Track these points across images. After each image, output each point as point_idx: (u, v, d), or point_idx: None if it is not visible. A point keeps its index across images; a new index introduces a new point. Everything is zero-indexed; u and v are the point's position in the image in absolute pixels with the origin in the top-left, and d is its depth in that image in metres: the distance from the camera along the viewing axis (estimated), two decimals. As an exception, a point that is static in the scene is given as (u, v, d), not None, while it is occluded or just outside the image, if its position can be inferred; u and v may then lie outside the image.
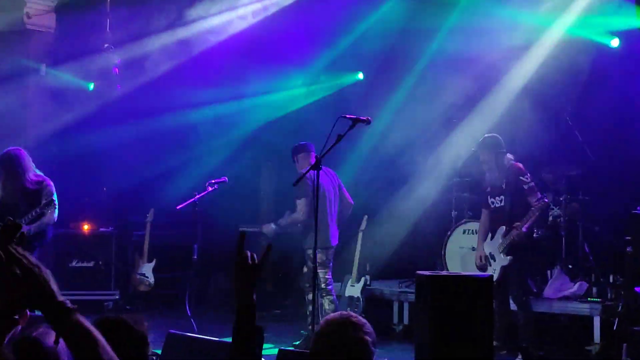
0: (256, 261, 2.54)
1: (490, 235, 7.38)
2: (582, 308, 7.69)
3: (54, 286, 1.82)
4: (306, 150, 7.81)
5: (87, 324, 1.83)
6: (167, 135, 10.37)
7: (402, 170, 9.98)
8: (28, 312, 1.89)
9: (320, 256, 7.44)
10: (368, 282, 8.55)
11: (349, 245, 8.78)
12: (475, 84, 9.50)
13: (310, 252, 7.40)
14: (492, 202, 7.41)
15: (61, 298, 1.80)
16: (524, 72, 9.27)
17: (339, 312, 2.72)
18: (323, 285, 7.67)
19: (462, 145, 9.25)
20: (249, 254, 2.55)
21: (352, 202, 7.99)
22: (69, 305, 1.82)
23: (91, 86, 10.46)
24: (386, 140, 9.96)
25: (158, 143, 10.35)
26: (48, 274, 1.82)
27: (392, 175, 10.15)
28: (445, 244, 8.77)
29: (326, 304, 7.64)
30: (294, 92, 10.78)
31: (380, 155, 10.16)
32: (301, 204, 7.62)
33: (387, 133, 9.94)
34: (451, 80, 9.42)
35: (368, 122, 6.10)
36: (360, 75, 10.73)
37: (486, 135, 7.57)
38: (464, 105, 9.61)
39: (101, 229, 10.10)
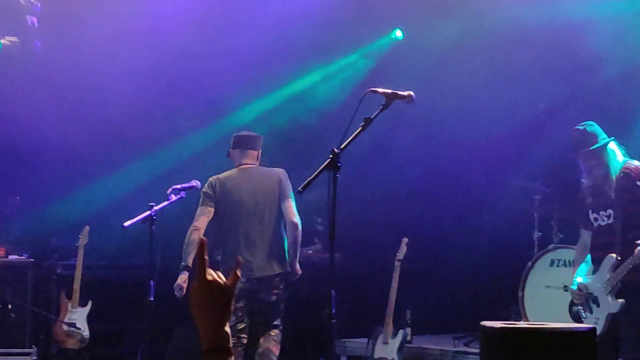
0: (224, 282, 2.55)
1: (592, 268, 7.33)
2: None
3: None
4: (242, 147, 8.16)
5: None
6: (110, 117, 10.36)
7: (459, 172, 9.96)
8: None
9: None
10: (408, 338, 8.57)
11: (380, 283, 8.73)
12: (572, 49, 9.50)
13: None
14: (596, 219, 7.35)
15: None
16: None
17: None
18: None
19: (551, 136, 9.22)
20: (213, 272, 2.55)
21: (297, 223, 8.02)
22: None
23: (-2, 44, 10.46)
24: (437, 128, 9.92)
25: (96, 129, 10.33)
26: None
27: (444, 180, 10.13)
28: (524, 282, 8.75)
29: None
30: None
31: (427, 149, 10.13)
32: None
33: (439, 117, 9.91)
34: (540, 43, 9.42)
35: (410, 99, 6.03)
36: (399, 33, 10.72)
37: (582, 125, 7.50)
38: (557, 80, 9.60)
39: (11, 257, 10.06)
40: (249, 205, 8.00)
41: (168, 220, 8.26)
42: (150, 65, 10.16)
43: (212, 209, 8.01)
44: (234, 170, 8.15)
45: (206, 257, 2.55)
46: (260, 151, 8.20)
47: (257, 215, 8.00)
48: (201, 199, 8.06)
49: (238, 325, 7.86)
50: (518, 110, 9.87)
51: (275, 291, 7.91)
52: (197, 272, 2.54)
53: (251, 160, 8.13)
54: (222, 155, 8.58)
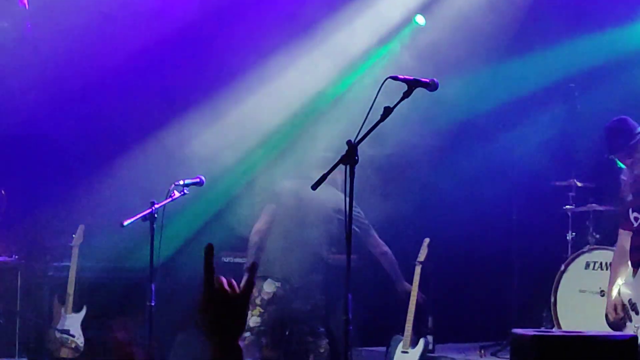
0: (237, 289, 2.53)
1: (631, 271, 7.37)
2: None
3: None
4: None
5: None
6: (107, 106, 10.42)
7: (487, 164, 9.99)
8: None
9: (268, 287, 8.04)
10: (430, 347, 8.62)
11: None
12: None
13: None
14: (636, 218, 7.39)
15: None
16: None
17: None
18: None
19: (586, 127, 9.25)
20: (224, 280, 2.52)
21: (387, 251, 8.18)
22: None
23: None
24: (461, 119, 9.94)
25: (92, 118, 10.37)
26: None
27: (470, 173, 10.15)
28: (557, 286, 8.78)
29: None
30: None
31: (450, 141, 10.16)
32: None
33: (462, 108, 9.94)
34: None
35: (433, 86, 6.08)
36: (420, 19, 10.74)
37: (617, 118, 7.57)
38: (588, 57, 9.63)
39: (-1, 258, 10.16)
40: (298, 215, 8.08)
41: (171, 218, 8.29)
42: (151, 49, 10.16)
43: (274, 206, 8.26)
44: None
45: (212, 264, 2.49)
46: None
47: (305, 227, 8.05)
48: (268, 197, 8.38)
49: (261, 327, 7.98)
50: (548, 97, 9.86)
51: (311, 300, 8.02)
52: (203, 280, 2.48)
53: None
54: (228, 149, 8.61)
